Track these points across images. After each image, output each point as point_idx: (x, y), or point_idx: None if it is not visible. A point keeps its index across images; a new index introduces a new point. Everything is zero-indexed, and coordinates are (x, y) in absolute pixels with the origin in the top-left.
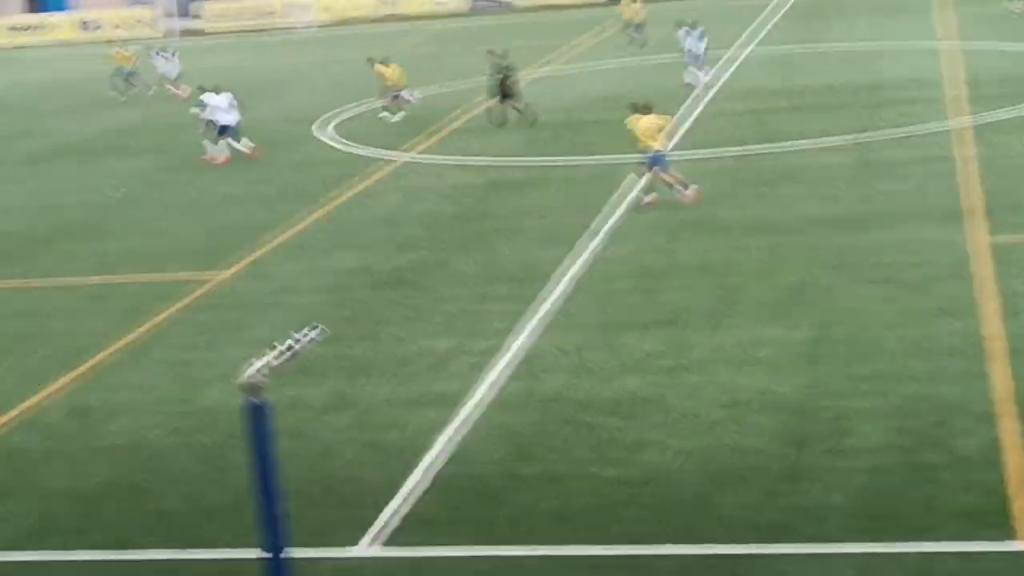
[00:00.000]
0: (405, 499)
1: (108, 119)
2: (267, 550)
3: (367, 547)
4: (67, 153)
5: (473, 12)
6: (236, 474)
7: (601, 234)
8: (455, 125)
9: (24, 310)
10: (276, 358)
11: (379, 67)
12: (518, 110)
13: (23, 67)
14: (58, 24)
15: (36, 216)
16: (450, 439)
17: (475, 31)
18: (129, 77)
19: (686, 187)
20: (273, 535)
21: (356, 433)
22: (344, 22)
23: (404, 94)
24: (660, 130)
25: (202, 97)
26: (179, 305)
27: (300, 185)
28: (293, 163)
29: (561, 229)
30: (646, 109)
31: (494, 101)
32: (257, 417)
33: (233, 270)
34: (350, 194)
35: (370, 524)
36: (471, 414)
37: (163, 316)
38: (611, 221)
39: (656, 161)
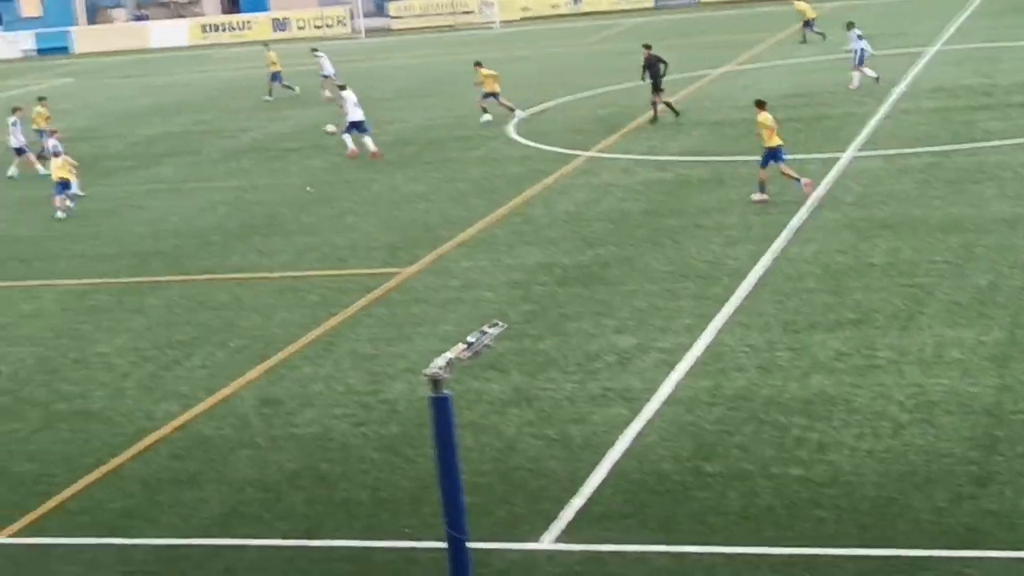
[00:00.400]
0: (588, 495)
1: (301, 116)
2: (450, 542)
3: (549, 542)
4: (259, 150)
5: (658, 8)
6: (420, 466)
7: (787, 232)
8: (640, 121)
9: (218, 303)
10: (460, 352)
11: (482, 71)
12: (669, 105)
13: (218, 65)
14: (252, 23)
15: (229, 211)
16: (634, 436)
17: (663, 26)
18: (274, 79)
19: (799, 179)
20: (456, 527)
21: (539, 428)
22: (530, 19)
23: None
24: (773, 126)
25: (343, 94)
26: (366, 299)
27: (486, 181)
28: (480, 160)
29: (747, 227)
30: (761, 105)
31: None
32: (441, 410)
33: (419, 265)
34: (536, 190)
35: (552, 519)
36: (655, 411)
37: (351, 310)
38: (797, 219)
39: (772, 156)
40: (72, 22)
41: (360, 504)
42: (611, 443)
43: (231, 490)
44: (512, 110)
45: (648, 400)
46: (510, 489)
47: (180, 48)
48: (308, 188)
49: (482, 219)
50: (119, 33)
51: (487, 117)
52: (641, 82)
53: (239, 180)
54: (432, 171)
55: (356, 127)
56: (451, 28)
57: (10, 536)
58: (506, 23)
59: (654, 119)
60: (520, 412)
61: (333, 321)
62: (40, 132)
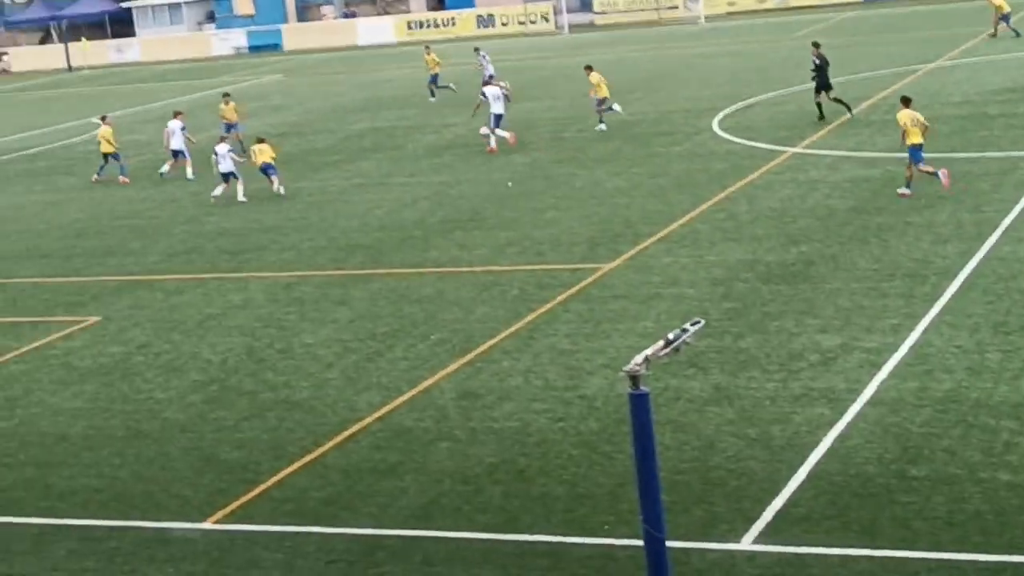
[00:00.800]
0: (789, 496)
1: (508, 110)
2: (647, 540)
3: (749, 542)
4: (462, 145)
5: (867, 2)
6: (618, 463)
7: (1000, 231)
8: (847, 117)
9: (420, 296)
10: (659, 349)
11: (593, 75)
12: (840, 101)
13: (422, 61)
14: (457, 19)
15: (432, 206)
16: (836, 437)
17: (872, 21)
18: (434, 81)
19: (936, 174)
20: (654, 525)
21: (739, 427)
22: (736, 14)
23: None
24: (917, 122)
25: (484, 90)
26: (566, 294)
27: (689, 177)
28: (683, 155)
29: (958, 224)
30: (906, 101)
31: (822, 95)
32: (640, 407)
33: (619, 260)
34: (739, 186)
35: (752, 519)
36: (859, 412)
37: (550, 305)
38: (1010, 218)
39: (914, 154)
40: (283, 20)
41: (558, 499)
42: (813, 444)
43: (430, 481)
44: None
45: (852, 401)
46: (709, 488)
47: (387, 45)
48: (509, 183)
49: (684, 215)
50: (328, 30)
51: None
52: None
53: (442, 175)
54: (634, 166)
55: (498, 118)
56: (655, 23)
57: (216, 522)
58: (711, 18)
59: (821, 116)
60: (720, 411)
61: (532, 316)
62: (229, 126)
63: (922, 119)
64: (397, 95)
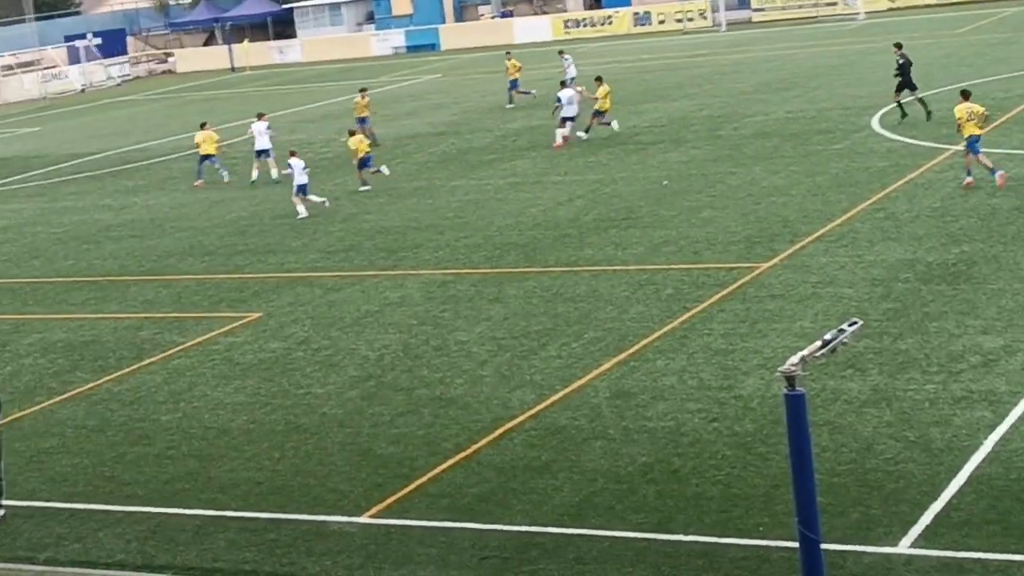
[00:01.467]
0: (948, 499)
1: (662, 110)
2: (802, 542)
3: (906, 546)
4: (617, 143)
5: None
6: (773, 464)
7: None
8: (1015, 113)
9: (574, 294)
10: (816, 350)
11: (602, 88)
12: (921, 101)
13: (580, 60)
14: (613, 18)
15: (587, 204)
16: (998, 440)
17: None
18: (513, 88)
19: (993, 172)
20: (810, 527)
21: (898, 429)
22: (898, 9)
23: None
24: (973, 116)
25: (559, 94)
26: (721, 294)
27: (847, 175)
28: (841, 153)
29: None
30: (965, 95)
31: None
32: (796, 408)
33: (775, 260)
34: (899, 184)
35: (910, 523)
36: (1022, 415)
37: (705, 304)
38: None
39: (970, 145)
40: (441, 20)
41: (712, 500)
42: (974, 447)
43: (584, 480)
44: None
45: (1014, 404)
46: (866, 491)
47: (543, 43)
48: (664, 182)
49: (843, 214)
50: (485, 30)
51: (615, 124)
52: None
53: (597, 173)
54: (792, 164)
55: (568, 120)
56: (814, 20)
57: (372, 516)
58: (871, 14)
59: (904, 115)
60: (878, 412)
61: (687, 315)
62: (361, 120)
63: (980, 110)
64: (552, 93)
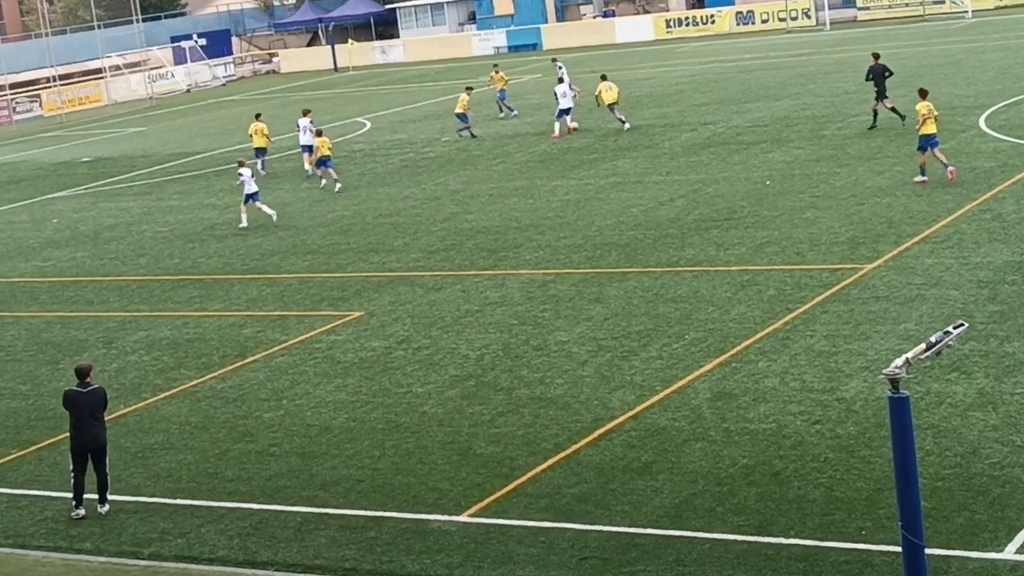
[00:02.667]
0: None
1: (766, 108)
2: (905, 546)
3: (1013, 552)
4: (720, 143)
5: None
6: (876, 467)
7: None
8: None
9: (675, 295)
10: (920, 352)
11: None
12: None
13: (682, 59)
14: (716, 17)
15: (688, 204)
16: None
17: None
18: (502, 99)
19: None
20: (913, 531)
21: (1004, 433)
22: (1007, 7)
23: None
24: (930, 113)
25: (555, 89)
26: (824, 295)
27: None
28: (948, 154)
29: None
30: (923, 93)
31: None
32: (899, 411)
33: (880, 261)
34: (1007, 185)
35: (1017, 528)
36: None
37: (808, 305)
38: None
39: (925, 143)
40: (542, 20)
41: (814, 503)
42: None
43: (684, 482)
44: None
45: None
46: (971, 496)
47: (645, 43)
48: (767, 181)
49: (948, 215)
50: (586, 29)
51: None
52: None
53: (699, 173)
54: (896, 164)
55: (564, 112)
56: (920, 18)
57: (472, 516)
58: (979, 12)
59: (872, 126)
60: (984, 416)
61: (789, 316)
62: (462, 116)
63: (935, 111)
64: (655, 93)
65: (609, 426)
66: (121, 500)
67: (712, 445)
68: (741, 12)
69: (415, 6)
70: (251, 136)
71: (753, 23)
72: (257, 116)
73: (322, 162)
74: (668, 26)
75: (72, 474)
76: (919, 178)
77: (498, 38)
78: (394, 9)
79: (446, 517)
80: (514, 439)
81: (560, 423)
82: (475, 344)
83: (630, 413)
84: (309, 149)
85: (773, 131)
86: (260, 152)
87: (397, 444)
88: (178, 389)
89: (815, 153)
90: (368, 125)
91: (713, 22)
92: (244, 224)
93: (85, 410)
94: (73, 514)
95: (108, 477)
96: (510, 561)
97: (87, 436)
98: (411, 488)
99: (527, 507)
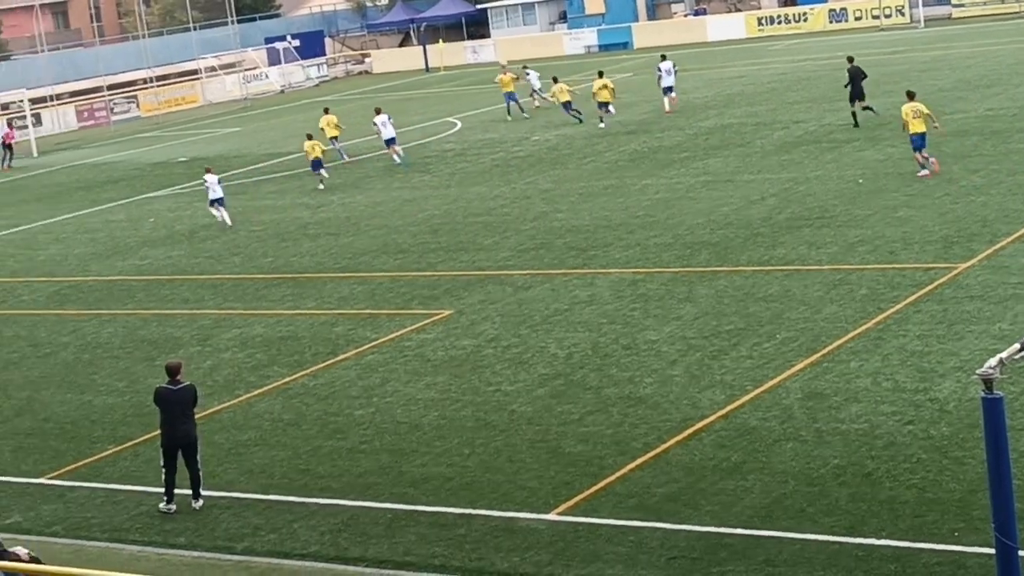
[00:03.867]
0: None
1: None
2: (999, 549)
3: None
4: (811, 141)
5: None
6: (969, 468)
7: None
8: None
9: (766, 294)
10: (1016, 352)
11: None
12: (870, 109)
13: (774, 57)
14: (808, 15)
15: (779, 203)
16: None
17: None
18: (511, 100)
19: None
20: (1007, 533)
21: None
22: None
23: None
24: (919, 115)
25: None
26: (917, 294)
27: None
28: None
29: None
30: (910, 95)
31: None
32: (993, 411)
33: (974, 260)
34: None
35: None
36: None
37: (901, 305)
38: None
39: (915, 142)
40: (633, 18)
41: (906, 504)
42: None
43: (774, 482)
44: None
45: None
46: None
47: (737, 41)
48: (859, 180)
49: None
50: (677, 27)
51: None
52: None
53: (790, 172)
54: (992, 163)
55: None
56: (1017, 15)
57: (561, 514)
58: None
59: (855, 124)
60: None
61: (882, 316)
62: (566, 104)
63: (925, 110)
64: (746, 91)
65: (699, 425)
66: (214, 496)
67: (803, 445)
68: (834, 9)
69: (506, 6)
70: (322, 130)
71: (846, 20)
72: (326, 110)
73: (315, 164)
74: (760, 24)
75: (163, 470)
76: (921, 172)
77: (589, 37)
78: (485, 9)
79: (535, 515)
80: (603, 438)
81: (649, 422)
82: (564, 343)
83: (720, 412)
84: (392, 141)
85: (866, 129)
86: (334, 140)
87: (486, 442)
88: (271, 386)
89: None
90: (459, 125)
91: (806, 20)
92: (228, 223)
93: (176, 407)
94: (163, 508)
95: (201, 472)
96: (599, 560)
97: (178, 433)
98: (500, 486)
99: (616, 506)
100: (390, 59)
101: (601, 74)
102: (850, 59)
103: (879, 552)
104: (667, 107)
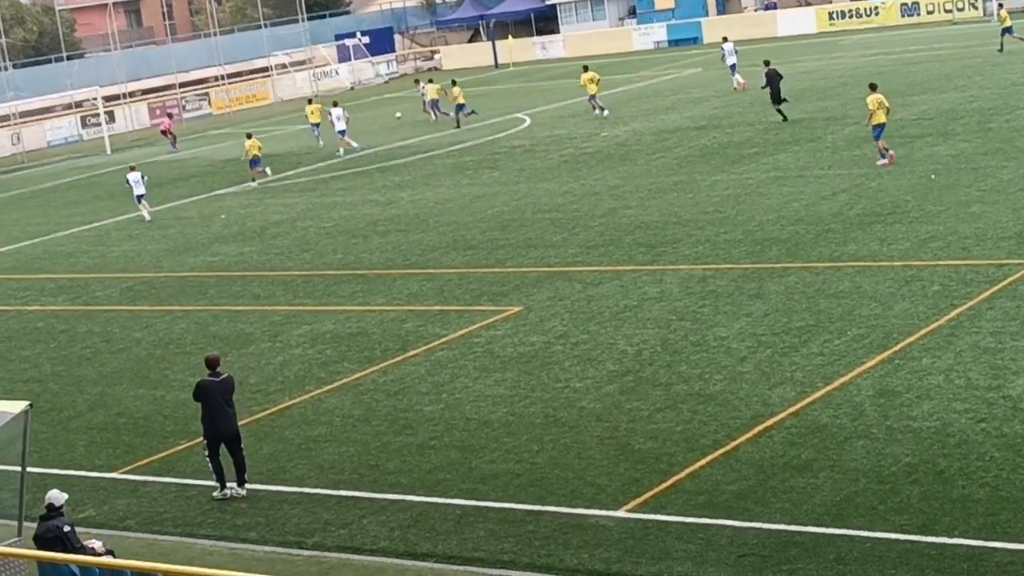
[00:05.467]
0: None
1: (931, 101)
2: None
3: None
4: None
5: None
6: None
7: None
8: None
9: (837, 291)
10: None
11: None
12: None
13: (845, 52)
14: (880, 9)
15: (850, 199)
16: None
17: None
18: (432, 106)
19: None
20: None
21: None
22: None
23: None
24: (880, 106)
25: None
26: (991, 291)
27: None
28: None
29: None
30: (873, 87)
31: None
32: None
33: None
34: None
35: None
36: None
37: (974, 301)
38: None
39: (876, 132)
40: (703, 13)
41: (978, 502)
42: None
43: (845, 479)
44: (602, 110)
45: None
46: None
47: (807, 35)
48: (932, 175)
49: None
50: (747, 22)
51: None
52: None
53: (862, 167)
54: None
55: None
56: None
57: (630, 511)
58: None
59: (784, 119)
60: None
61: (954, 312)
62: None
63: (886, 103)
64: (817, 86)
65: (769, 423)
66: (285, 491)
67: (874, 443)
68: (906, 3)
69: (575, 1)
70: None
71: (918, 14)
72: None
73: (253, 162)
74: (831, 18)
75: (207, 459)
76: (881, 162)
77: (658, 32)
78: (554, 5)
79: (604, 512)
80: (672, 435)
81: (719, 419)
82: (633, 339)
83: (790, 410)
84: (344, 133)
85: (938, 124)
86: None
87: (555, 439)
88: (341, 382)
89: (982, 146)
90: (528, 121)
91: (877, 14)
92: (148, 217)
93: (219, 398)
94: (217, 495)
95: (245, 460)
96: (668, 557)
97: (223, 423)
98: (569, 483)
99: (685, 503)
100: (459, 55)
101: (586, 68)
102: (766, 63)
103: (951, 551)
104: (735, 85)
